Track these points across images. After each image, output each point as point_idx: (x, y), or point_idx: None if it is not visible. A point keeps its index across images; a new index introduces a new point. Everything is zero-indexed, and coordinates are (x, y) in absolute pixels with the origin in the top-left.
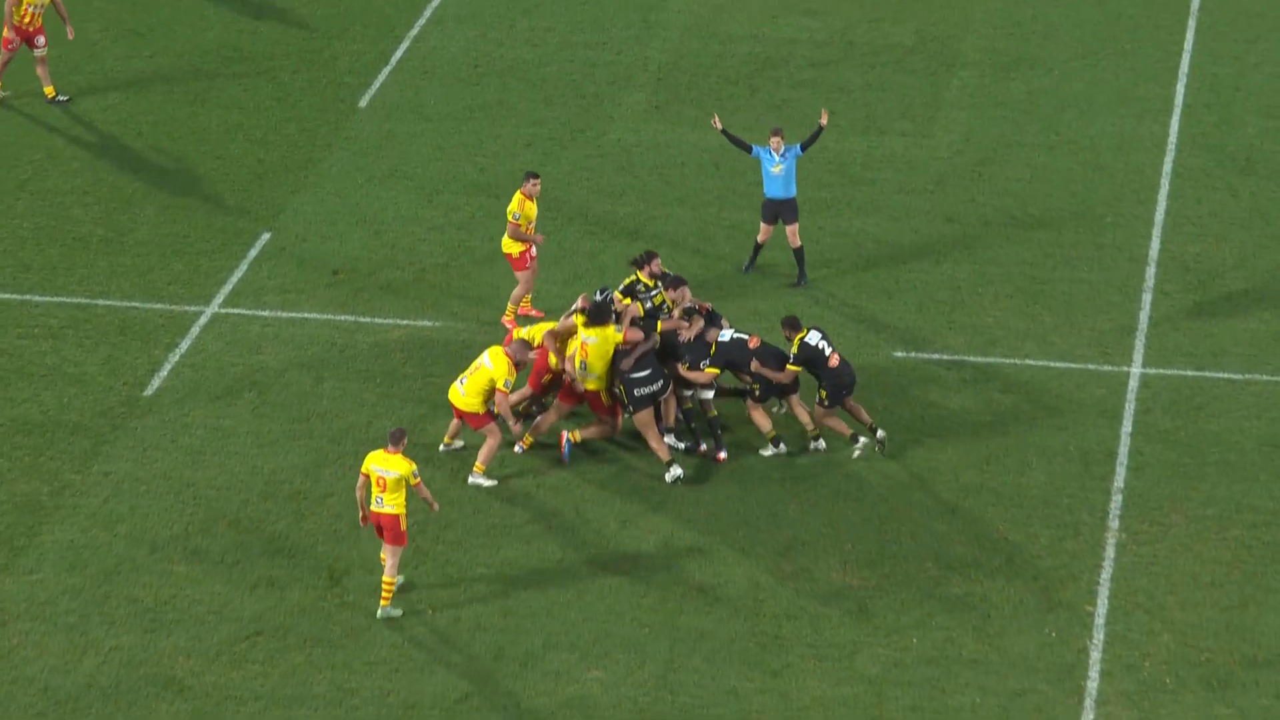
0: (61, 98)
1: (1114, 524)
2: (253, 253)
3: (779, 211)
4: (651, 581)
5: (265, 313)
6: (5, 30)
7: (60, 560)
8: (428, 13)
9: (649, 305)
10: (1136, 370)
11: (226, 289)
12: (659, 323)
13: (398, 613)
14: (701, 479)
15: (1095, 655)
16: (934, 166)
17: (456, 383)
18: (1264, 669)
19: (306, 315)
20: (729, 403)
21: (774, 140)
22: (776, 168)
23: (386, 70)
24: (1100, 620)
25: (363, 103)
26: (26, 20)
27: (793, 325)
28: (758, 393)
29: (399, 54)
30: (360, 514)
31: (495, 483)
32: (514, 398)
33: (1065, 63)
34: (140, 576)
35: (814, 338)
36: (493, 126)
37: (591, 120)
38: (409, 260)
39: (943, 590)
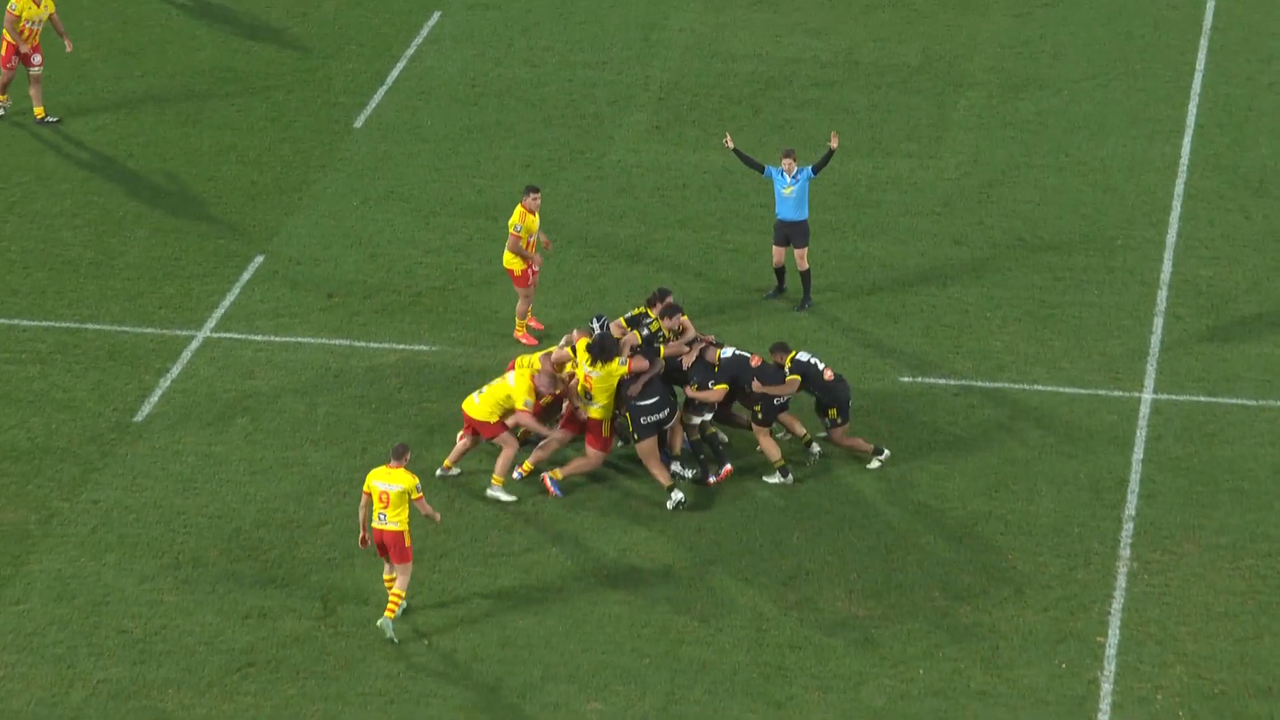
0: (51, 119)
1: (1125, 553)
2: (245, 276)
3: (789, 234)
4: (652, 611)
5: (258, 337)
6: (3, 48)
7: (48, 590)
8: (424, 32)
9: (645, 333)
10: (1148, 396)
11: (219, 313)
12: (661, 347)
13: (392, 633)
14: (703, 506)
15: (1106, 687)
16: (941, 188)
17: (474, 393)
18: (1278, 701)
19: (300, 340)
20: (738, 432)
21: (786, 162)
22: (788, 189)
23: (382, 90)
24: (1111, 651)
25: (358, 123)
26: (25, 35)
27: (782, 348)
28: (760, 416)
29: (395, 74)
30: (360, 535)
31: (515, 498)
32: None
33: (1075, 83)
34: (129, 607)
35: (804, 355)
36: (490, 147)
37: (591, 141)
38: (405, 283)
39: (950, 620)
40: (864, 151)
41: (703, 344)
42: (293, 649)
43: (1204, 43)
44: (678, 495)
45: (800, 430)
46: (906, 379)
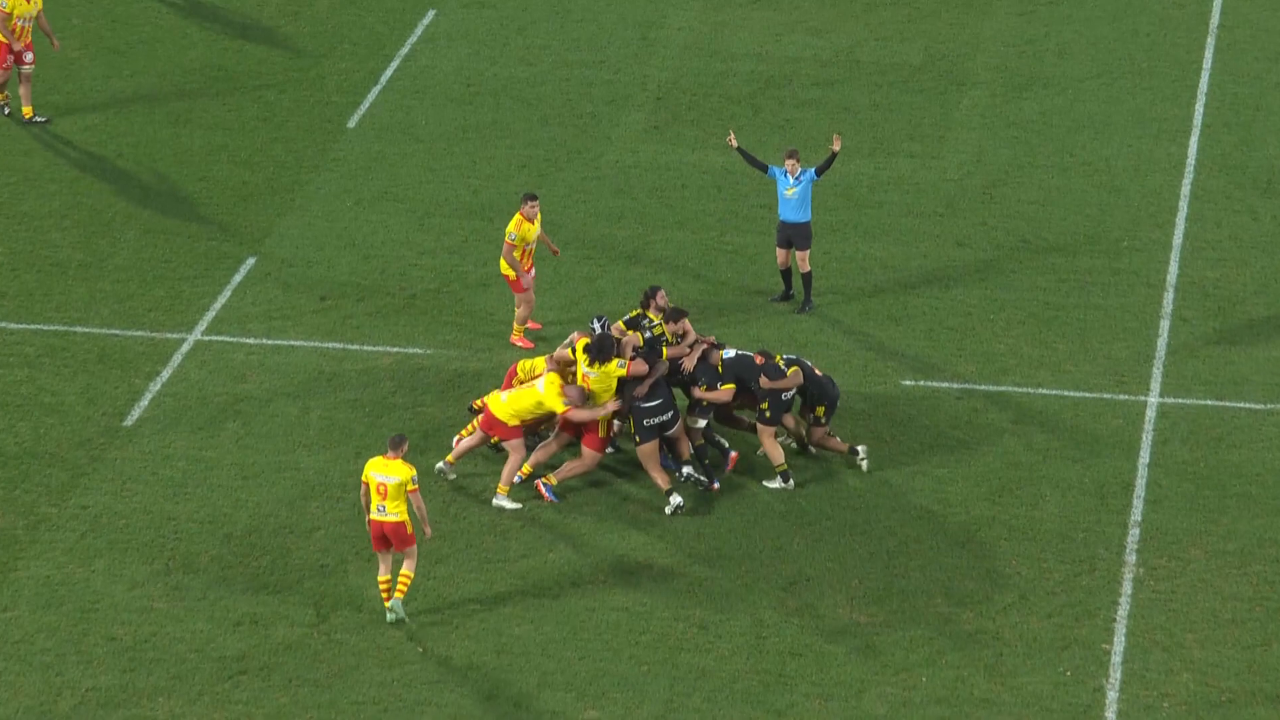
0: (39, 118)
1: (1131, 559)
2: (237, 278)
3: (791, 236)
4: (650, 618)
5: (250, 340)
6: None
7: (36, 597)
8: (419, 30)
9: (648, 335)
10: (1154, 400)
11: (210, 315)
12: (664, 349)
13: (400, 614)
14: (703, 511)
15: (1112, 695)
16: (943, 189)
17: (499, 391)
18: None
19: (293, 343)
20: (739, 436)
21: (789, 163)
22: (790, 190)
23: (376, 89)
24: (1117, 659)
25: (352, 123)
26: (17, 33)
27: (766, 354)
28: (768, 414)
29: (389, 73)
30: (367, 518)
31: (519, 506)
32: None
33: (1080, 82)
34: (119, 614)
35: (790, 357)
36: (486, 148)
37: (588, 141)
38: (399, 286)
39: (953, 627)
40: (865, 152)
41: (703, 345)
42: (285, 656)
43: (1211, 41)
44: (676, 500)
45: (789, 423)
46: (909, 382)
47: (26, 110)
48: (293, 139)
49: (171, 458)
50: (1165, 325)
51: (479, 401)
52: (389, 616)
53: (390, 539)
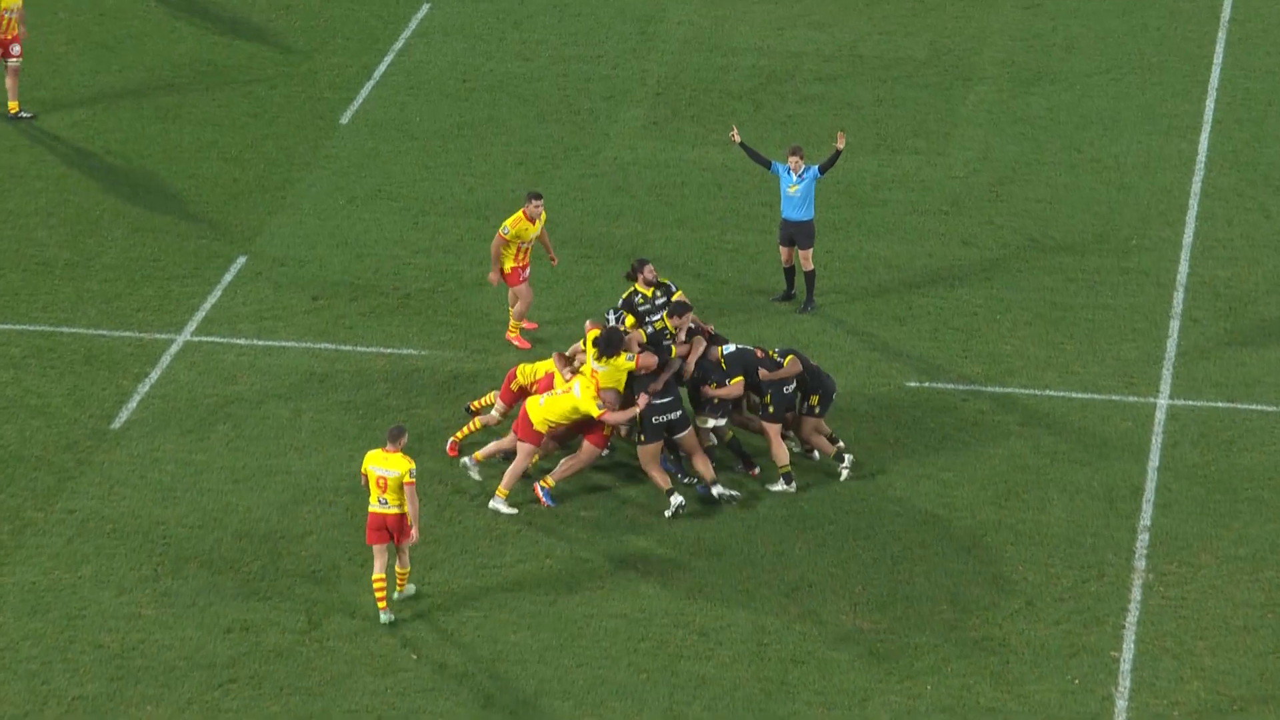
0: (25, 114)
1: (1140, 564)
2: (227, 277)
3: (794, 235)
4: (649, 624)
5: (240, 341)
6: None
7: (21, 604)
8: (413, 25)
9: (650, 331)
10: (1164, 401)
11: (199, 316)
12: (673, 348)
13: (413, 589)
14: (703, 515)
15: (1121, 704)
16: (949, 187)
17: (540, 395)
18: None
19: (284, 343)
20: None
21: (792, 160)
22: (793, 188)
23: (369, 85)
24: (1126, 667)
25: (344, 119)
26: (3, 26)
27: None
28: (771, 410)
29: (383, 68)
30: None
31: (515, 511)
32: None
33: (1088, 77)
34: (106, 621)
35: (783, 349)
36: (482, 144)
37: (586, 138)
38: (393, 285)
39: (959, 634)
40: (869, 148)
41: (702, 341)
42: (276, 664)
43: (1222, 35)
44: (677, 499)
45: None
46: (913, 384)
47: (12, 105)
48: (284, 135)
49: (160, 461)
50: (1175, 325)
51: (477, 403)
52: (383, 618)
53: (392, 531)
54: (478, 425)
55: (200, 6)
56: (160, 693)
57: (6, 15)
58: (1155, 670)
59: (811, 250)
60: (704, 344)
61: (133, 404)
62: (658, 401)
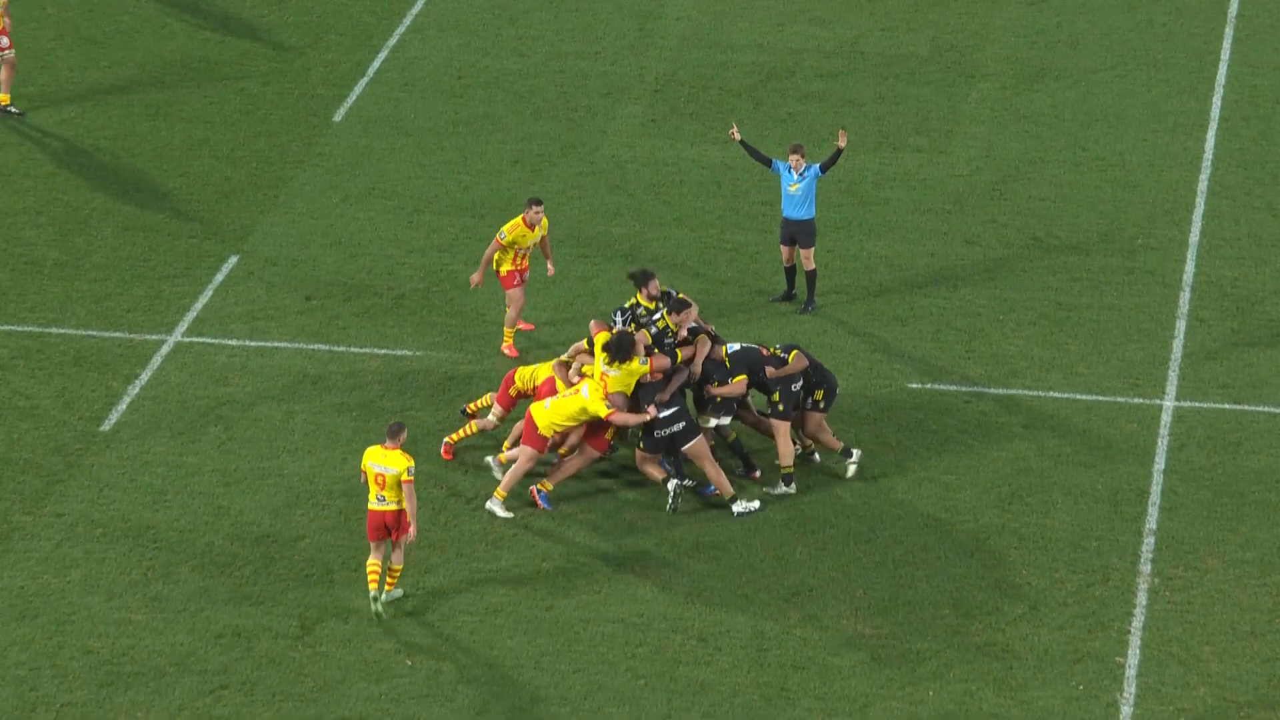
0: (14, 110)
1: (1146, 568)
2: (219, 277)
3: (795, 234)
4: (647, 629)
5: (232, 341)
6: None
7: (9, 609)
8: (407, 20)
9: (653, 330)
10: (1170, 403)
11: (190, 316)
12: (678, 351)
13: (399, 592)
14: (702, 519)
15: (1126, 710)
16: (951, 185)
17: (545, 399)
18: None
19: (276, 344)
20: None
21: (793, 158)
22: (793, 186)
23: (363, 82)
24: (1131, 672)
25: (338, 116)
26: None
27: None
28: (781, 408)
29: (376, 64)
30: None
31: (512, 515)
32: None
33: (1092, 74)
34: (95, 626)
35: (785, 345)
36: (477, 142)
37: (584, 135)
38: (387, 285)
39: (961, 639)
40: (870, 146)
41: (702, 333)
42: (268, 670)
43: (1229, 31)
44: (674, 484)
45: (807, 441)
46: (915, 385)
47: (3, 98)
48: (276, 133)
49: (150, 464)
50: (1181, 326)
51: (472, 406)
52: (373, 606)
53: (391, 528)
54: (475, 429)
55: (191, 2)
56: (150, 699)
57: None
58: (1161, 676)
59: (813, 250)
60: (709, 343)
61: (123, 406)
62: (663, 414)
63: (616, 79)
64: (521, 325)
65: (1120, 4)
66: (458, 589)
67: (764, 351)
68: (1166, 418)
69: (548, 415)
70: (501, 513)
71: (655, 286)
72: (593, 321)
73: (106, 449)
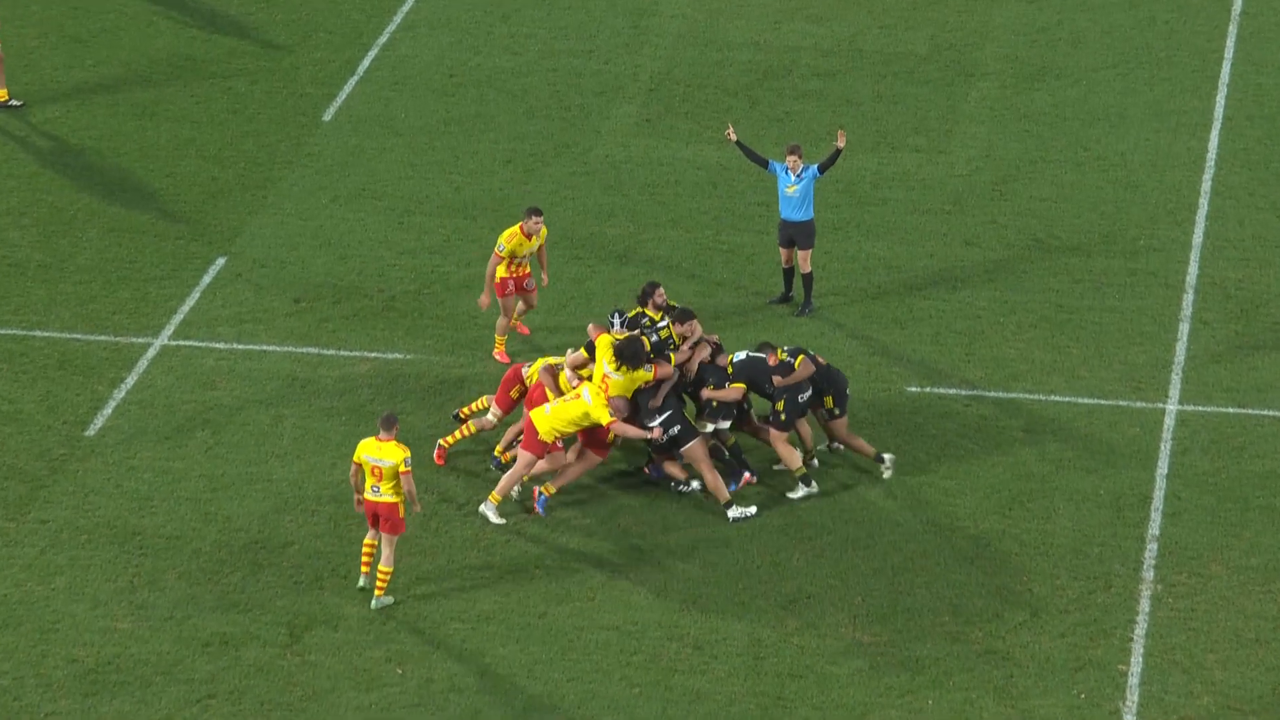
0: (14, 103)
1: (1148, 575)
2: (206, 279)
3: (793, 235)
4: (642, 637)
5: (220, 345)
6: None
7: None
8: (398, 18)
9: (655, 339)
10: (1173, 407)
11: (177, 319)
12: (672, 356)
13: (390, 600)
14: (699, 524)
15: (1129, 719)
16: (951, 185)
17: (545, 404)
18: None
19: (265, 347)
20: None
21: (791, 159)
22: (791, 188)
23: (353, 80)
24: (1134, 680)
25: (327, 116)
26: None
27: (770, 346)
28: (783, 418)
29: (366, 63)
30: (355, 499)
31: (504, 521)
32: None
33: (1094, 72)
34: (80, 634)
35: (791, 349)
36: (469, 141)
37: (577, 135)
38: (377, 287)
39: (961, 647)
40: (869, 146)
41: (706, 344)
42: (256, 679)
43: (1233, 29)
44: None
45: (804, 432)
46: (914, 389)
47: (1, 93)
48: (265, 133)
49: (137, 469)
50: (1185, 329)
51: (466, 409)
52: (361, 582)
53: (381, 519)
54: (471, 430)
55: None
56: (136, 709)
57: None
58: (1164, 684)
59: (810, 251)
60: (709, 347)
61: (108, 410)
62: (658, 421)
63: (610, 77)
64: (520, 327)
65: (1122, 1)
66: (449, 596)
67: (770, 361)
68: (1169, 422)
69: (549, 421)
70: (494, 518)
71: (661, 296)
72: (591, 325)
73: (92, 454)
